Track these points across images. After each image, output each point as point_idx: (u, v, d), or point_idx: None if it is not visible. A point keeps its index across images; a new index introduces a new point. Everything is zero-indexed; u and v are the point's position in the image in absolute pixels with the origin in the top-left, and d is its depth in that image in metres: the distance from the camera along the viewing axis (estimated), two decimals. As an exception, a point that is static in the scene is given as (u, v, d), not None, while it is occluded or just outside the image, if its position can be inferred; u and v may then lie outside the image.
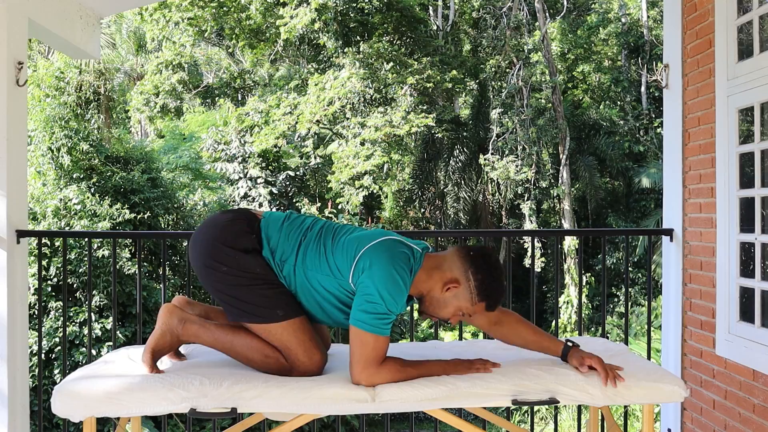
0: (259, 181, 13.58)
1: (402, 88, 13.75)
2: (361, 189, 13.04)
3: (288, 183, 13.90)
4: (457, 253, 1.86)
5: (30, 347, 6.82)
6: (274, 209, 13.35)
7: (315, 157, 14.68)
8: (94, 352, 7.43)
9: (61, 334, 3.79)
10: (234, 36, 15.22)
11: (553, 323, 6.18)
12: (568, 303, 13.69)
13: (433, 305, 1.86)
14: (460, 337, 3.12)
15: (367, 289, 1.74)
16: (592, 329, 13.01)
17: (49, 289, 7.94)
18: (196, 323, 1.87)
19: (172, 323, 1.87)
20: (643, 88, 16.22)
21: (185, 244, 8.67)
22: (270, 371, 1.82)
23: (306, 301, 1.87)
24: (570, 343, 1.94)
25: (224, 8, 14.35)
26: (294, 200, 13.56)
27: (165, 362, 1.93)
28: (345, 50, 14.04)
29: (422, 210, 16.10)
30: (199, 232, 1.92)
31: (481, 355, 1.95)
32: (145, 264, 9.01)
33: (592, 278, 14.45)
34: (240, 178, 13.71)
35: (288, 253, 1.86)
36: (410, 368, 1.79)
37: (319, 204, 12.84)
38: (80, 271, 8.15)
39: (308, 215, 2.00)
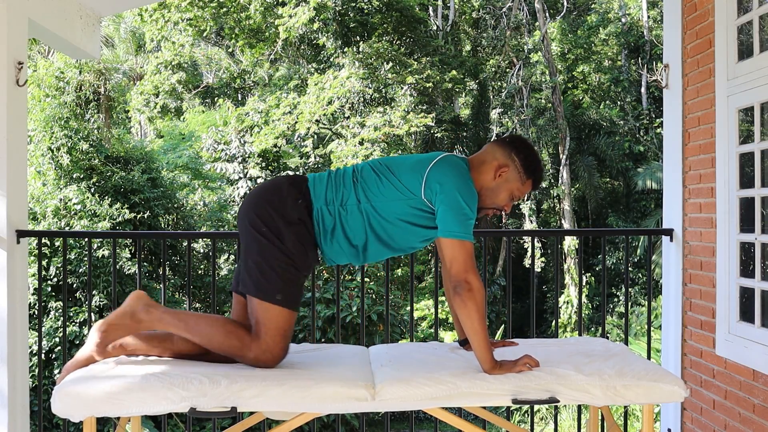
0: (259, 181, 13.57)
1: (401, 88, 13.75)
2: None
3: (288, 183, 13.89)
4: (495, 143, 2.07)
5: (30, 347, 6.82)
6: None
7: (314, 157, 14.68)
8: (94, 352, 7.41)
9: (61, 334, 3.80)
10: (233, 36, 15.22)
11: (553, 323, 6.18)
12: (568, 303, 13.69)
13: (487, 196, 2.02)
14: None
15: (452, 200, 1.89)
16: (592, 329, 13.01)
17: (49, 289, 7.94)
18: (160, 309, 1.92)
19: (137, 307, 1.91)
20: (643, 88, 16.22)
21: (185, 244, 8.69)
22: (228, 347, 1.87)
23: (375, 235, 1.96)
24: None
25: (224, 8, 14.35)
26: (294, 200, 13.54)
27: (164, 364, 1.93)
28: (345, 50, 14.04)
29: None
30: (252, 193, 2.01)
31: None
32: (145, 264, 9.01)
33: (592, 278, 14.45)
34: (240, 178, 13.71)
35: (347, 193, 1.95)
36: (485, 317, 1.90)
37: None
38: (80, 271, 8.15)
39: (346, 166, 2.10)
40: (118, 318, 1.90)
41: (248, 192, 2.08)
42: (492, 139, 2.23)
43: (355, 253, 1.99)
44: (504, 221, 15.96)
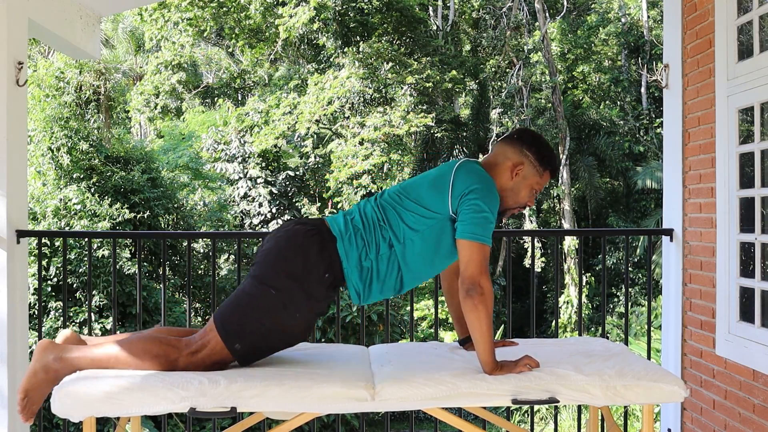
0: (259, 181, 13.58)
1: (401, 87, 13.75)
2: (359, 188, 13.06)
3: (288, 183, 13.91)
4: (503, 143, 2.04)
5: (30, 347, 6.81)
6: (274, 209, 13.35)
7: (315, 157, 14.68)
8: (94, 352, 7.40)
9: (61, 334, 3.80)
10: (234, 36, 15.23)
11: (553, 323, 6.18)
12: (568, 303, 13.69)
13: (509, 197, 2.01)
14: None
15: (473, 204, 1.87)
16: (592, 329, 13.01)
17: (49, 289, 7.94)
18: (73, 352, 1.83)
19: (46, 359, 1.81)
20: (643, 88, 16.22)
21: (185, 244, 8.70)
22: (157, 366, 1.81)
23: (411, 275, 1.93)
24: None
25: (224, 8, 14.35)
26: (294, 200, 13.57)
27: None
28: (345, 50, 14.05)
29: (422, 210, 16.10)
30: (280, 241, 1.89)
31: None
32: (145, 264, 9.01)
33: (592, 278, 14.45)
34: (240, 178, 13.71)
35: (379, 241, 1.91)
36: (491, 321, 1.87)
37: (318, 204, 12.84)
38: (80, 271, 8.15)
39: (363, 203, 2.00)
40: (30, 379, 1.79)
41: (278, 228, 2.01)
42: (498, 139, 2.22)
43: (390, 293, 1.97)
44: (504, 221, 15.94)
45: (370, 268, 1.90)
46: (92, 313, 6.63)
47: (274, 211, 13.43)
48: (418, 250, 1.90)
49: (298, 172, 14.30)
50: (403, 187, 1.97)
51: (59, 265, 7.73)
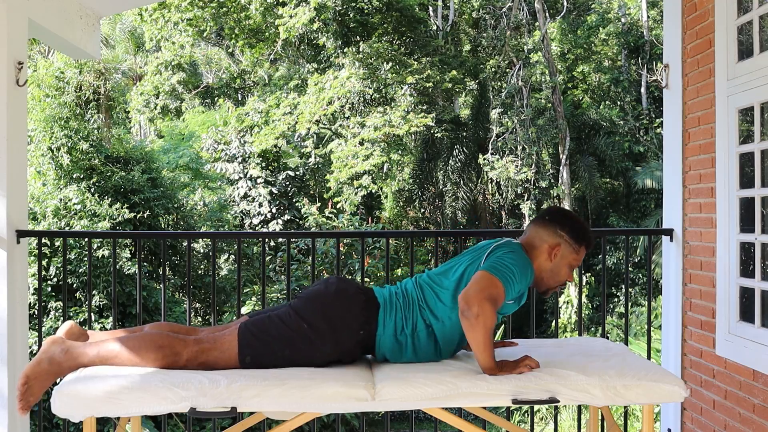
0: (259, 181, 13.57)
1: (401, 87, 13.75)
2: (359, 189, 13.05)
3: (288, 183, 13.90)
4: (536, 226, 2.09)
5: (30, 347, 6.80)
6: (274, 209, 13.35)
7: (315, 157, 14.68)
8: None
9: (61, 334, 3.79)
10: (233, 36, 15.22)
11: (553, 323, 6.18)
12: (568, 303, 13.67)
13: (549, 278, 2.06)
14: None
15: (503, 258, 1.92)
16: (592, 329, 13.01)
17: (49, 289, 7.93)
18: (79, 347, 1.85)
19: (53, 351, 1.84)
20: (643, 88, 16.21)
21: (185, 244, 8.69)
22: (162, 358, 1.83)
23: (448, 346, 1.98)
24: None
25: (224, 8, 14.35)
26: (294, 200, 13.55)
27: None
28: (345, 50, 14.04)
29: (422, 210, 16.11)
30: (329, 288, 1.96)
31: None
32: (145, 264, 9.00)
33: (592, 278, 14.43)
34: (240, 178, 13.70)
35: (416, 319, 1.95)
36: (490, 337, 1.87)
37: (319, 204, 12.83)
38: (80, 271, 8.14)
39: (405, 281, 2.07)
40: (34, 367, 1.82)
41: (331, 276, 2.15)
42: (532, 220, 2.25)
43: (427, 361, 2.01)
44: (504, 221, 15.97)
45: (404, 342, 1.95)
46: (92, 313, 6.63)
47: (274, 211, 13.42)
48: (456, 324, 1.94)
49: (298, 172, 14.29)
50: (444, 270, 2.03)
51: (59, 265, 7.73)
